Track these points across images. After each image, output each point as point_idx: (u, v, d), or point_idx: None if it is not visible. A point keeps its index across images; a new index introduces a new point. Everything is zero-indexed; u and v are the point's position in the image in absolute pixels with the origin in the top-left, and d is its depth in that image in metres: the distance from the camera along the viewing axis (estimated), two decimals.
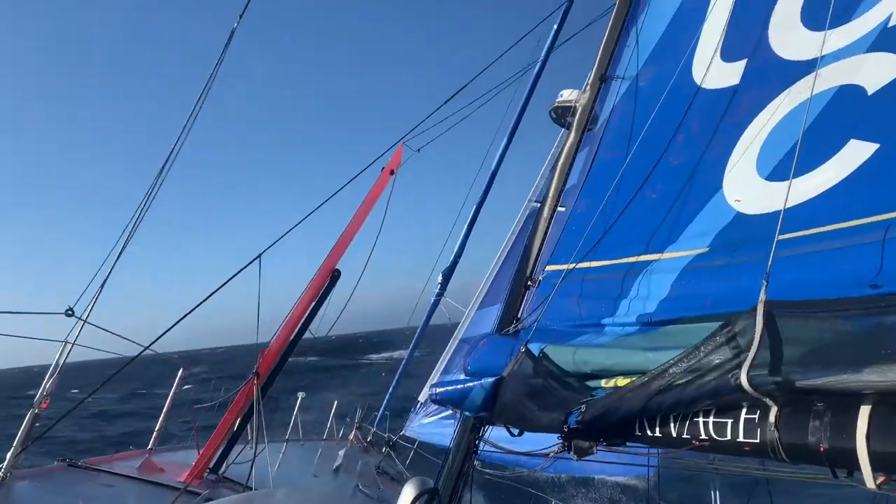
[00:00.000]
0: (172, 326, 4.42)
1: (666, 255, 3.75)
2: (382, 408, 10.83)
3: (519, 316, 4.75)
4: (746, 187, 3.47)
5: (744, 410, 2.44)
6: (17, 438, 4.08)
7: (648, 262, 3.84)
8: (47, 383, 4.11)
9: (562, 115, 5.52)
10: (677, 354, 2.58)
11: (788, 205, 2.88)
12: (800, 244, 2.90)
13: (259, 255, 4.86)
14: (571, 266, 4.37)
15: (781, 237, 3.03)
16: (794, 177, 3.06)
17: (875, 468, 2.04)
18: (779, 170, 3.32)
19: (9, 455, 4.08)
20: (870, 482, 2.06)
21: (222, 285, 4.64)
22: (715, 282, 3.31)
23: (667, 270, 3.67)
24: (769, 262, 2.49)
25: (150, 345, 4.35)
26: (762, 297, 2.32)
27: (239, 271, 4.72)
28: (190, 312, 4.45)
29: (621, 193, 4.25)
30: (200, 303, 4.50)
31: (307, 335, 5.83)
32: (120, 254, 4.04)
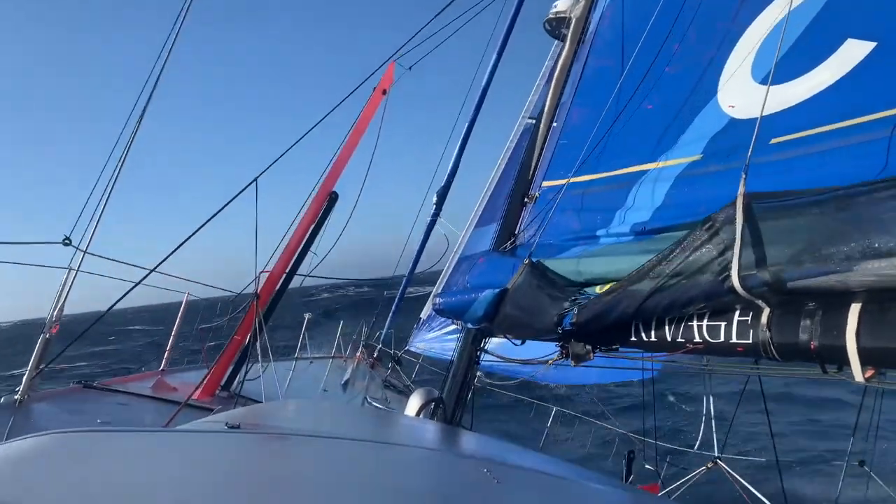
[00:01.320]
0: (176, 249, 4.48)
1: (660, 164, 3.76)
2: (387, 325, 11.05)
3: (516, 232, 4.80)
4: (741, 92, 3.44)
5: (737, 313, 2.51)
6: (30, 362, 4.21)
7: (643, 172, 3.85)
8: (54, 310, 4.22)
9: (556, 27, 5.38)
10: (661, 252, 2.64)
11: (782, 107, 2.88)
12: (793, 147, 2.91)
13: (255, 179, 4.86)
14: (568, 181, 4.39)
15: (776, 140, 3.05)
16: (789, 79, 3.05)
17: (863, 363, 2.12)
18: (774, 73, 3.29)
19: (24, 378, 4.22)
20: (858, 376, 2.14)
21: (221, 208, 4.67)
22: (710, 188, 3.33)
23: (661, 179, 3.69)
24: (748, 154, 2.49)
25: (155, 267, 4.44)
26: (741, 189, 2.34)
27: (237, 194, 4.74)
28: (192, 235, 4.50)
29: (616, 105, 4.21)
30: (202, 225, 4.56)
31: (310, 255, 5.91)
32: (114, 178, 4.04)
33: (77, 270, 4.12)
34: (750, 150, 2.49)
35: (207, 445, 1.24)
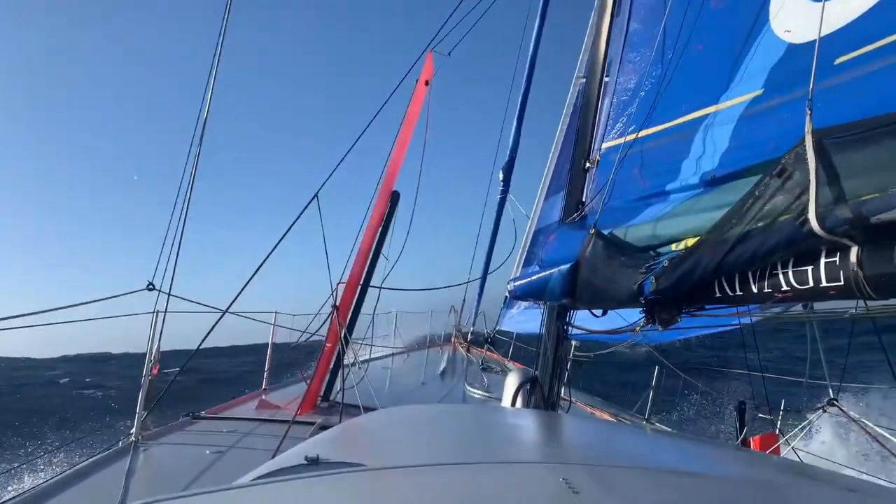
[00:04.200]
0: (246, 284, 4.66)
1: (721, 106, 3.56)
2: (475, 307, 11.06)
3: (583, 200, 4.67)
4: (796, 14, 3.20)
5: (823, 255, 2.35)
6: (139, 404, 4.50)
7: (704, 117, 3.66)
8: (151, 353, 4.48)
9: None
10: (734, 205, 2.50)
11: (841, 24, 2.65)
12: (860, 64, 2.68)
13: (315, 194, 4.96)
14: (627, 138, 4.23)
15: (841, 59, 2.81)
16: None
17: None
18: None
19: (136, 420, 4.50)
20: None
21: (285, 233, 4.80)
22: (776, 122, 3.13)
23: (724, 121, 3.49)
24: (810, 87, 2.30)
25: (230, 305, 4.66)
26: (808, 126, 2.17)
27: (300, 214, 4.86)
28: (261, 265, 4.65)
29: (665, 52, 4.01)
30: (269, 253, 4.68)
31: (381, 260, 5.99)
32: (183, 219, 4.21)
33: (165, 312, 4.36)
34: (812, 80, 2.30)
35: (284, 497, 1.25)
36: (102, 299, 3.97)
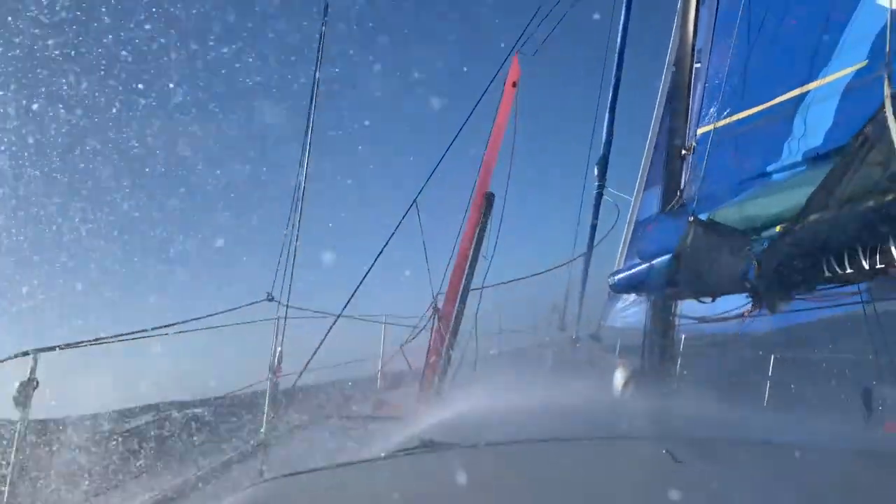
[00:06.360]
0: (356, 288, 4.92)
1: (822, 81, 3.44)
2: (579, 303, 10.93)
3: (682, 188, 4.61)
4: None
5: None
6: (266, 406, 4.80)
7: (805, 95, 3.55)
8: (274, 356, 4.78)
9: None
10: (822, 181, 2.43)
11: None
12: None
13: (414, 200, 5.16)
14: (723, 122, 4.16)
15: None
16: None
17: None
18: None
19: (264, 420, 4.81)
20: None
21: (389, 238, 5.01)
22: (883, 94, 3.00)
23: (827, 97, 3.38)
24: (887, 49, 2.22)
25: (342, 310, 4.92)
26: (886, 90, 2.10)
27: (400, 221, 5.06)
28: (368, 271, 4.88)
29: (757, 30, 3.92)
30: (375, 259, 4.90)
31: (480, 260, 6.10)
32: (296, 231, 4.51)
33: (285, 318, 4.68)
34: (888, 41, 2.23)
35: (406, 469, 1.37)
36: (225, 311, 4.32)
